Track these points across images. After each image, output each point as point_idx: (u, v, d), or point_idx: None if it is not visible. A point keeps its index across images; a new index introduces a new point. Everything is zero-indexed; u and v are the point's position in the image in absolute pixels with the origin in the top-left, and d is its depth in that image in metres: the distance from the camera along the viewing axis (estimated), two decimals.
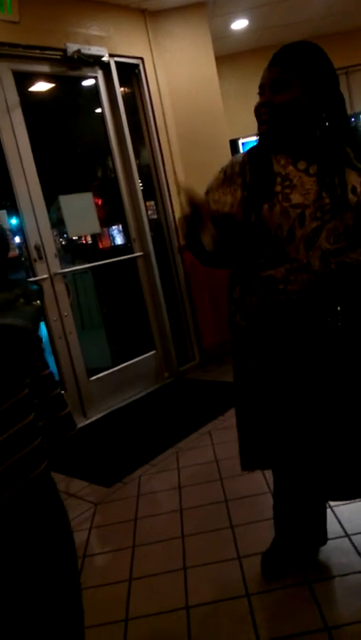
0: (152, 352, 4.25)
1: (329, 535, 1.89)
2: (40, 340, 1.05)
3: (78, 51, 3.60)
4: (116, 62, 3.93)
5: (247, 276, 1.52)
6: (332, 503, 2.09)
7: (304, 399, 1.49)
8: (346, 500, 1.63)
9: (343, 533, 1.93)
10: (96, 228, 4.10)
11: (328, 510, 2.06)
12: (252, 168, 1.49)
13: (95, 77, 3.92)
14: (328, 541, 1.88)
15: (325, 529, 1.86)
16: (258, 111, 1.49)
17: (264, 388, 1.55)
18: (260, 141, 1.54)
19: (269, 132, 1.49)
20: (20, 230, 3.49)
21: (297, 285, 1.42)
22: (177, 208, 4.32)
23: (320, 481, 1.55)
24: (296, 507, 1.78)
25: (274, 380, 1.52)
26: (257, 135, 1.54)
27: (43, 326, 3.62)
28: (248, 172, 1.49)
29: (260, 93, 1.49)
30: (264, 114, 1.47)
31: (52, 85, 3.88)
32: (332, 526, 1.96)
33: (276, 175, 1.45)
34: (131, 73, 4.12)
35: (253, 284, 1.50)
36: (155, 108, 4.17)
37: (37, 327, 1.01)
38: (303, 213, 1.41)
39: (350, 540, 1.89)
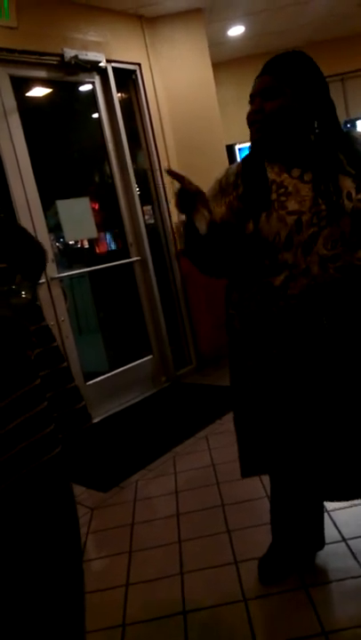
0: (149, 356, 4.25)
1: (326, 540, 1.89)
2: (27, 330, 1.05)
3: (76, 56, 3.62)
4: (114, 68, 3.95)
5: (246, 282, 1.53)
6: (328, 508, 2.09)
7: (301, 402, 1.50)
8: (343, 500, 1.63)
9: (340, 538, 1.93)
10: (93, 233, 4.11)
11: (325, 515, 2.06)
12: (247, 178, 1.51)
13: (92, 83, 3.94)
14: (325, 546, 1.88)
15: (323, 533, 1.86)
16: (249, 119, 1.51)
17: (261, 392, 1.55)
18: (252, 149, 1.56)
19: (262, 140, 1.51)
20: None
21: (296, 291, 1.43)
22: (174, 213, 4.34)
23: (317, 481, 1.56)
24: (293, 510, 1.79)
25: (271, 384, 1.52)
26: (250, 143, 1.56)
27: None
28: (242, 183, 1.51)
29: (251, 102, 1.51)
30: (256, 122, 1.49)
31: (50, 90, 3.89)
32: (328, 531, 1.96)
33: (272, 183, 1.47)
34: (128, 78, 4.14)
35: (252, 288, 1.51)
36: (152, 114, 4.19)
37: (22, 318, 1.01)
38: (300, 220, 1.42)
39: (347, 544, 1.89)
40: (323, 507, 1.87)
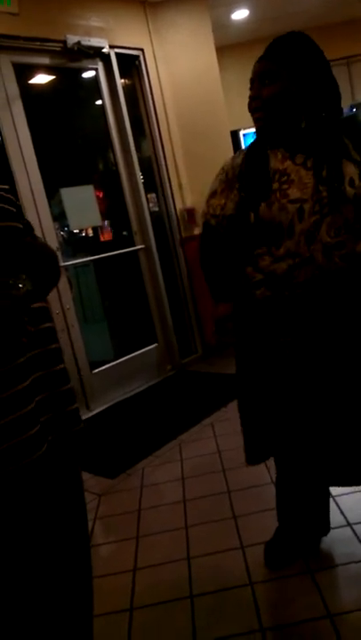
0: (154, 345, 4.26)
1: (331, 524, 1.90)
2: (22, 323, 1.05)
3: (78, 42, 3.58)
4: (117, 54, 3.91)
5: (252, 270, 1.51)
6: (333, 493, 2.10)
7: (307, 389, 1.50)
8: (349, 485, 1.64)
9: (345, 522, 1.95)
10: (97, 221, 4.10)
11: (330, 500, 2.07)
12: (249, 167, 1.49)
13: (95, 69, 3.90)
14: (331, 530, 1.89)
15: (328, 518, 1.87)
16: (250, 106, 1.49)
17: (267, 380, 1.56)
18: (257, 137, 1.54)
19: (263, 128, 1.49)
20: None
21: (301, 279, 1.42)
22: (178, 200, 4.32)
23: (323, 466, 1.57)
24: (299, 496, 1.80)
25: (277, 372, 1.53)
26: (254, 130, 1.54)
27: None
28: (245, 173, 1.50)
29: (251, 88, 1.49)
30: (256, 109, 1.47)
31: (53, 77, 3.86)
32: (334, 516, 1.98)
33: (274, 172, 1.44)
34: (131, 64, 4.10)
35: (256, 276, 1.50)
36: (155, 100, 4.15)
37: (19, 309, 1.00)
38: (302, 208, 1.40)
39: (352, 529, 1.91)
40: (328, 492, 1.88)
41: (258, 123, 1.49)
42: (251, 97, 1.48)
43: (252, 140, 1.58)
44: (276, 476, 1.83)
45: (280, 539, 1.85)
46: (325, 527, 1.88)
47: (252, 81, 1.48)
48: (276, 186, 1.43)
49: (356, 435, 1.50)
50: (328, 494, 1.88)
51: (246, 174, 1.49)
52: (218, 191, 1.56)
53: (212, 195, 1.59)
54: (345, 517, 1.97)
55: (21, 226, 1.14)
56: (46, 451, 1.02)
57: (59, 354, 1.14)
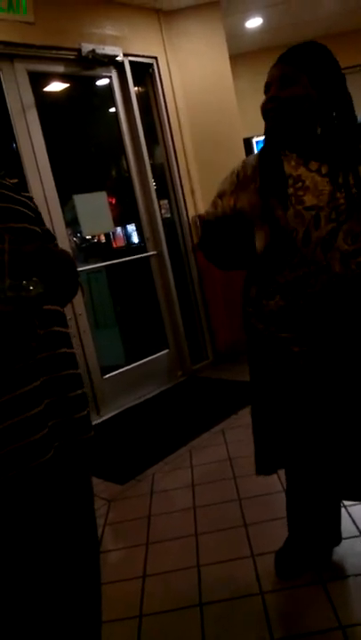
0: (165, 351, 4.26)
1: (343, 535, 1.88)
2: (32, 327, 1.05)
3: (93, 51, 3.62)
4: (131, 62, 3.94)
5: (264, 279, 1.50)
6: (346, 503, 2.08)
7: (322, 400, 1.48)
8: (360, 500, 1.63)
9: (358, 533, 1.92)
10: (110, 227, 4.12)
11: (342, 510, 2.05)
12: (264, 171, 1.48)
13: (109, 77, 3.94)
14: (343, 541, 1.87)
15: (340, 529, 1.85)
16: (265, 107, 1.48)
17: (282, 390, 1.54)
18: (267, 140, 1.53)
19: (276, 128, 1.48)
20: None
21: (317, 288, 1.40)
22: (190, 207, 4.33)
23: (335, 480, 1.55)
24: (310, 506, 1.78)
25: (292, 383, 1.51)
26: (264, 133, 1.53)
27: None
28: (259, 177, 1.48)
29: (266, 91, 1.48)
30: (271, 109, 1.46)
31: (67, 85, 3.90)
32: (346, 526, 1.96)
33: (288, 177, 1.44)
34: (145, 72, 4.13)
35: (270, 286, 1.48)
36: (169, 107, 4.18)
37: (26, 314, 1.00)
38: (318, 215, 1.39)
39: None
40: (340, 503, 1.86)
41: (270, 122, 1.48)
42: (268, 98, 1.47)
43: (263, 144, 1.56)
44: (286, 485, 1.82)
45: (290, 548, 1.83)
46: (337, 537, 1.86)
47: (269, 84, 1.48)
48: (291, 191, 1.41)
49: None
50: (339, 505, 1.86)
51: (261, 179, 1.47)
52: (227, 192, 1.54)
53: (222, 195, 1.56)
54: (357, 528, 1.95)
55: (39, 230, 1.14)
56: (53, 456, 1.02)
57: (70, 358, 1.13)
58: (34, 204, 1.18)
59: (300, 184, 1.42)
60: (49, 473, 1.03)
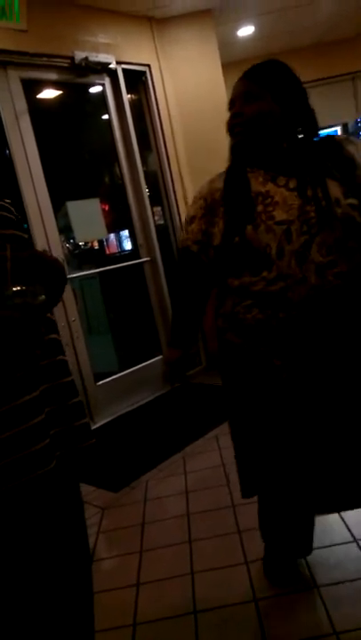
0: (159, 357, 4.26)
1: (337, 540, 1.88)
2: (38, 334, 1.04)
3: (86, 58, 3.63)
4: (124, 69, 3.96)
5: (240, 293, 1.49)
6: None
7: (305, 414, 1.47)
8: (337, 511, 1.61)
9: (351, 539, 1.92)
10: (103, 234, 4.12)
11: (336, 515, 2.05)
12: (231, 191, 1.49)
13: (102, 84, 3.95)
14: (336, 547, 1.88)
15: (312, 541, 1.84)
16: (230, 122, 1.49)
17: (264, 405, 1.52)
18: (234, 157, 1.53)
19: (243, 144, 1.49)
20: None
21: (296, 300, 1.40)
22: (183, 214, 4.34)
23: (311, 495, 1.54)
24: (282, 519, 1.76)
25: (273, 397, 1.49)
26: (230, 149, 1.54)
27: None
28: (227, 197, 1.49)
29: (231, 107, 1.50)
30: (237, 124, 1.47)
31: (60, 93, 3.91)
32: (340, 532, 1.96)
33: (257, 194, 1.44)
34: (138, 80, 4.15)
35: (247, 300, 1.47)
36: (161, 115, 4.20)
37: (33, 320, 1.00)
38: (289, 229, 1.39)
39: (358, 545, 1.88)
40: (313, 517, 1.82)
41: (237, 138, 1.49)
42: (232, 115, 1.48)
43: (228, 164, 1.56)
44: (258, 498, 1.79)
45: (271, 557, 1.83)
46: (308, 548, 1.83)
47: (233, 101, 1.49)
48: (260, 208, 1.42)
49: (350, 456, 1.47)
50: (313, 519, 1.82)
51: (229, 198, 1.48)
52: (197, 216, 1.54)
53: (191, 220, 1.56)
54: (351, 533, 1.95)
55: (26, 236, 1.14)
56: (55, 466, 1.01)
57: (66, 366, 1.13)
58: (14, 209, 1.17)
59: (269, 200, 1.42)
60: (50, 483, 1.02)
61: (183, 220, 1.55)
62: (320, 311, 1.41)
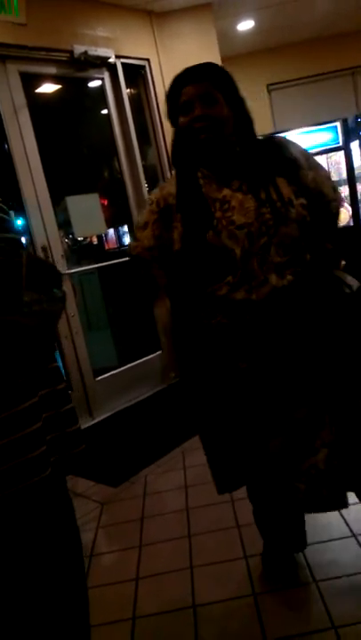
0: (158, 352, 4.26)
1: (337, 535, 1.89)
2: (51, 341, 1.05)
3: (85, 52, 3.62)
4: (123, 63, 3.95)
5: (202, 300, 1.46)
6: None
7: (271, 413, 1.47)
8: (320, 512, 1.60)
9: (350, 534, 1.93)
10: (102, 229, 4.11)
11: (335, 512, 2.06)
12: (184, 196, 1.47)
13: (102, 79, 3.94)
14: (335, 541, 1.88)
15: (305, 535, 1.84)
16: (194, 125, 1.43)
17: (230, 408, 1.51)
18: (184, 162, 1.50)
19: (208, 148, 1.44)
20: (27, 231, 3.51)
21: (256, 300, 1.40)
22: None
23: (292, 492, 1.52)
24: (272, 515, 1.77)
25: (241, 398, 1.48)
26: (183, 153, 1.50)
27: None
28: (182, 203, 1.47)
29: (189, 110, 1.44)
30: (203, 128, 1.42)
31: (59, 87, 3.89)
32: (338, 526, 1.97)
33: (213, 201, 1.42)
34: (137, 74, 4.14)
35: (210, 306, 1.45)
36: (161, 109, 4.18)
37: (43, 327, 0.99)
38: (250, 232, 1.39)
39: (357, 540, 1.89)
40: (301, 512, 1.81)
41: (202, 143, 1.44)
42: (196, 117, 1.42)
43: (177, 168, 1.54)
44: (248, 495, 1.80)
45: (269, 552, 1.84)
46: (302, 543, 1.83)
47: (190, 103, 1.43)
48: (219, 214, 1.41)
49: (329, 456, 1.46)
50: (302, 514, 1.81)
51: (183, 203, 1.45)
52: (150, 222, 1.50)
53: (143, 227, 1.52)
54: (350, 528, 1.96)
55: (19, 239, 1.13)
56: (51, 473, 1.01)
57: (59, 372, 1.13)
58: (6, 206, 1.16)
59: (226, 205, 1.41)
60: (45, 489, 1.02)
61: (136, 224, 1.50)
62: (279, 310, 1.41)
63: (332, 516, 2.03)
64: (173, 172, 1.58)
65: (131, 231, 4.29)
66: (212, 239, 1.39)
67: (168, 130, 4.18)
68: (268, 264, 1.39)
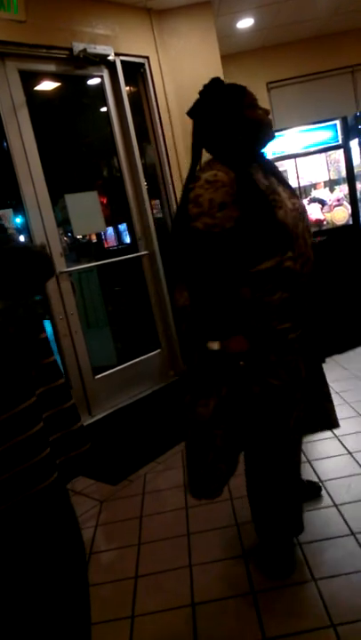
0: (157, 350, 4.26)
1: (335, 534, 1.89)
2: (39, 341, 1.03)
3: (84, 50, 3.61)
4: (122, 61, 3.93)
5: (259, 279, 1.56)
6: (337, 502, 2.10)
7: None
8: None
9: (349, 532, 1.93)
10: (101, 227, 4.10)
11: (333, 509, 2.07)
12: (246, 182, 1.55)
13: (101, 76, 3.92)
14: (334, 540, 1.89)
15: (301, 515, 1.87)
16: (269, 120, 1.69)
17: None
18: (243, 154, 1.63)
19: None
20: (26, 229, 3.51)
21: (306, 276, 1.64)
22: None
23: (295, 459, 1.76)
24: (273, 493, 1.80)
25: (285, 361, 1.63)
26: (260, 139, 1.69)
27: (48, 326, 3.64)
28: (240, 189, 1.54)
29: (257, 108, 1.67)
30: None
31: (58, 84, 3.88)
32: (337, 525, 1.97)
33: (266, 187, 1.58)
34: (136, 72, 4.13)
35: (268, 284, 1.56)
36: (160, 107, 4.17)
37: (26, 332, 0.98)
38: (295, 216, 1.62)
39: (356, 538, 1.89)
40: (301, 492, 1.92)
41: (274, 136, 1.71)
42: (266, 111, 1.68)
43: (240, 155, 1.63)
44: (246, 480, 1.84)
45: (267, 548, 1.85)
46: (299, 526, 1.87)
47: (256, 100, 1.69)
48: (271, 198, 1.58)
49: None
50: (301, 494, 1.91)
51: (246, 189, 1.54)
52: (228, 203, 1.52)
53: (220, 207, 1.52)
54: (349, 527, 1.96)
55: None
56: (57, 477, 0.99)
57: (56, 368, 1.10)
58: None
59: (272, 192, 1.59)
60: (52, 495, 1.00)
61: (205, 203, 1.51)
62: (315, 283, 1.70)
63: (331, 514, 2.04)
64: (208, 160, 1.71)
65: (130, 229, 4.29)
66: (281, 217, 1.56)
67: (167, 128, 4.20)
68: (308, 244, 1.67)
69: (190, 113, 1.78)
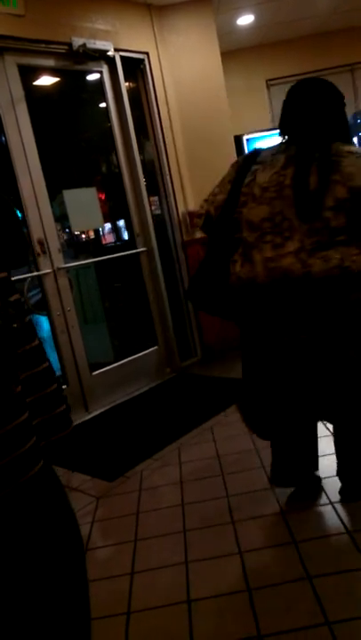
0: (154, 347, 4.26)
1: (330, 532, 1.90)
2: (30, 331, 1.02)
3: (84, 45, 3.59)
4: (122, 57, 3.92)
5: None
6: (333, 500, 2.10)
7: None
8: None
9: (344, 530, 1.94)
10: (99, 223, 4.10)
11: (329, 507, 2.07)
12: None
13: (100, 72, 3.91)
14: (329, 538, 1.89)
15: (317, 455, 2.16)
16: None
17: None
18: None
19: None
20: (24, 224, 3.50)
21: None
22: (180, 204, 4.32)
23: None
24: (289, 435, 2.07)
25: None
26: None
27: (45, 321, 3.64)
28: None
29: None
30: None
31: (57, 79, 3.87)
32: (333, 523, 1.98)
33: None
34: (136, 67, 4.11)
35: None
36: (159, 103, 4.16)
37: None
38: None
39: (351, 536, 1.90)
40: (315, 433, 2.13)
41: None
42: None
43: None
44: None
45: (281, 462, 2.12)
46: (314, 462, 2.17)
47: None
48: None
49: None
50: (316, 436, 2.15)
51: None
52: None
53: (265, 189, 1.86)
54: (344, 525, 1.97)
55: None
56: (43, 466, 0.99)
57: (41, 352, 1.09)
58: None
59: None
60: (38, 480, 1.00)
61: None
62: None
63: (328, 512, 2.04)
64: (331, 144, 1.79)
65: (128, 226, 4.28)
66: None
67: (166, 124, 4.19)
68: None
69: (319, 101, 1.87)
